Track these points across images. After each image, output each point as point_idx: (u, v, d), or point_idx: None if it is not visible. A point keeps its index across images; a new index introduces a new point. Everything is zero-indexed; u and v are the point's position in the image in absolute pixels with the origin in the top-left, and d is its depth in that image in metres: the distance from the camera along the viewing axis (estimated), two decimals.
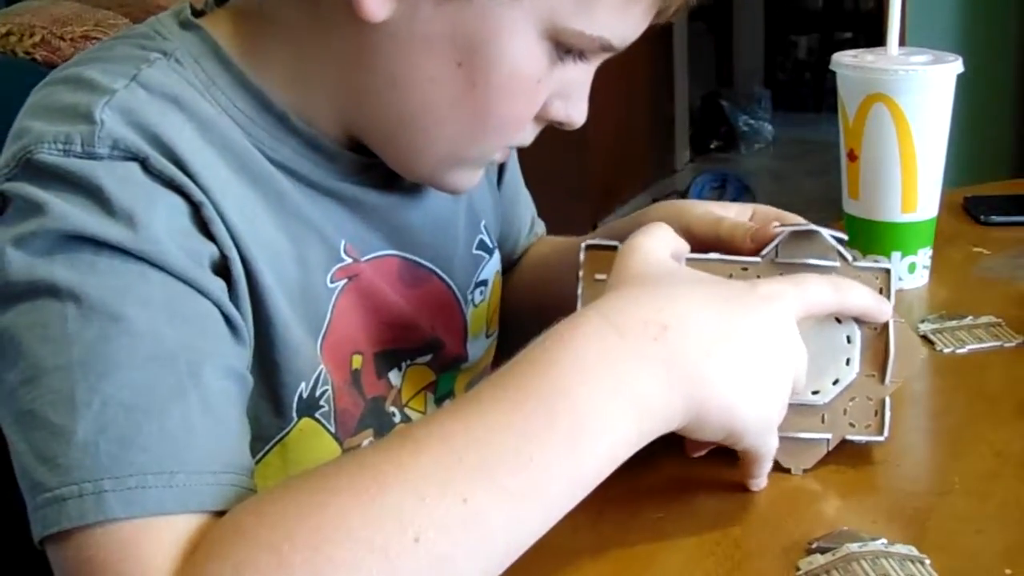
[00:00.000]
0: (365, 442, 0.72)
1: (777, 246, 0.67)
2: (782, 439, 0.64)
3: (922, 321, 0.88)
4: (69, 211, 0.57)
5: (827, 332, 0.66)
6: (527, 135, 0.71)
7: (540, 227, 0.98)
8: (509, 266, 0.92)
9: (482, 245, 0.83)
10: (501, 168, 0.89)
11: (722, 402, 0.57)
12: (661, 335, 0.55)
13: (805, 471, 0.67)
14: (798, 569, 0.57)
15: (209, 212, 0.60)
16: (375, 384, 0.73)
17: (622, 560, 0.59)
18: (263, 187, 0.65)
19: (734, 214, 0.74)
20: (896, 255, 0.95)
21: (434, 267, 0.77)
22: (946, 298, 0.95)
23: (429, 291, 0.77)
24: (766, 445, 0.61)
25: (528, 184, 0.96)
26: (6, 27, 0.84)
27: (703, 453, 0.65)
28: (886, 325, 0.67)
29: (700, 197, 2.96)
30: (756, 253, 0.67)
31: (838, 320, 0.66)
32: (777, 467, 0.66)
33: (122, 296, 0.55)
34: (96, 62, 0.64)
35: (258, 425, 0.64)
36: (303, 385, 0.67)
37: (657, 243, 0.63)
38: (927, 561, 0.57)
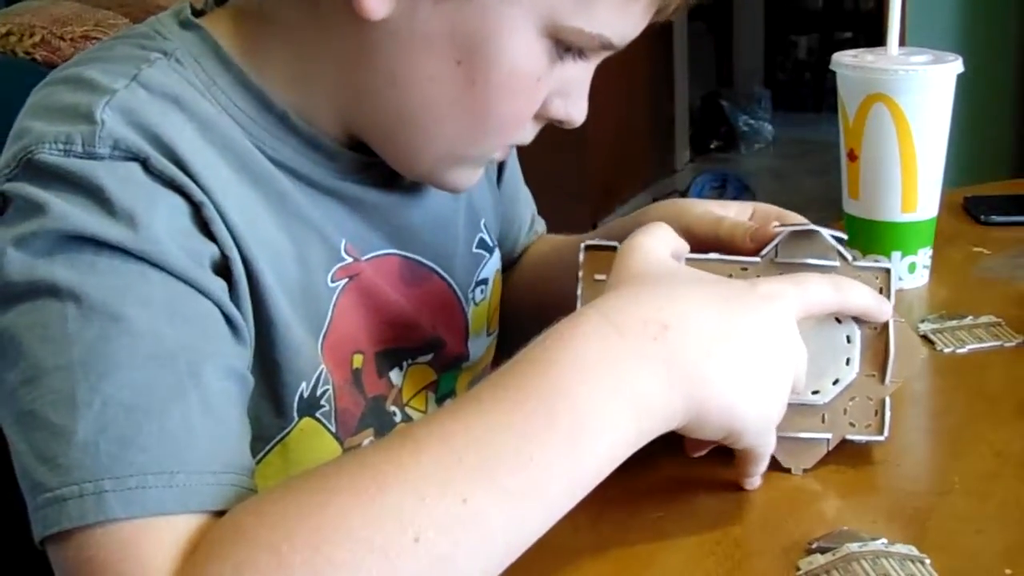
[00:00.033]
0: (365, 441, 0.72)
1: (777, 246, 0.67)
2: (783, 439, 0.64)
3: (922, 321, 0.88)
4: (70, 211, 0.57)
5: (827, 332, 0.66)
6: (527, 133, 0.71)
7: (540, 225, 0.98)
8: (509, 264, 0.92)
9: (482, 243, 0.83)
10: (501, 167, 0.89)
11: (722, 401, 0.57)
12: (661, 334, 0.55)
13: (805, 471, 0.67)
14: (798, 569, 0.57)
15: (210, 212, 0.60)
16: (376, 383, 0.73)
17: (622, 560, 0.60)
18: (264, 187, 0.65)
19: (734, 213, 0.74)
20: (896, 255, 0.95)
21: (435, 266, 0.77)
22: (946, 298, 0.95)
23: (430, 290, 0.77)
24: (765, 445, 0.61)
25: (528, 184, 0.96)
26: (6, 27, 0.84)
27: (703, 453, 0.65)
28: (886, 325, 0.67)
29: (700, 197, 2.96)
30: (756, 253, 0.67)
31: (838, 320, 0.66)
32: (777, 467, 0.66)
33: (123, 296, 0.55)
34: (96, 62, 0.64)
35: (259, 425, 0.64)
36: (304, 385, 0.67)
37: (657, 242, 0.63)
38: (927, 561, 0.57)
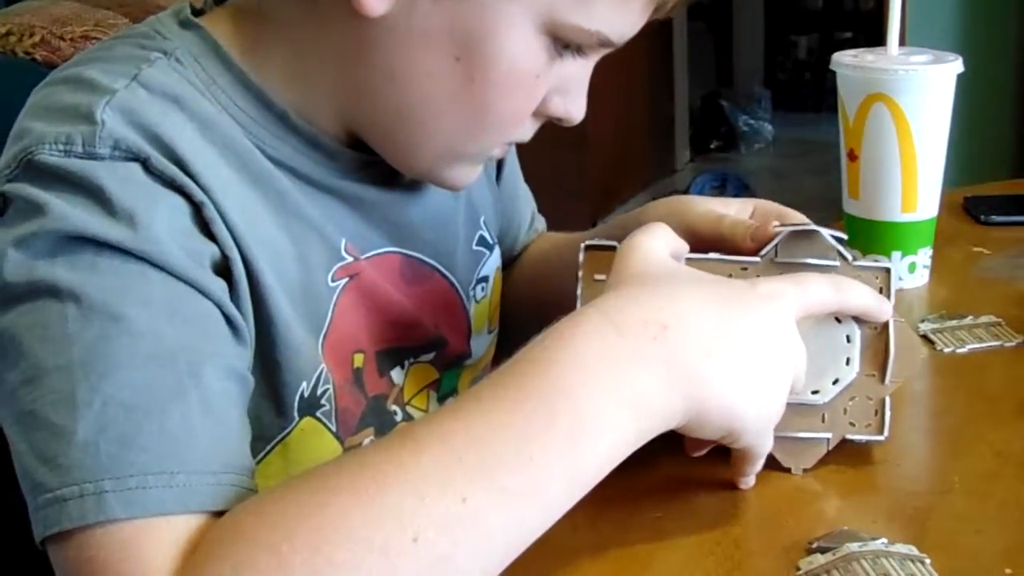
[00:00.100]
0: (366, 441, 0.72)
1: (777, 245, 0.67)
2: (782, 439, 0.64)
3: (922, 321, 0.88)
4: (70, 212, 0.57)
5: (827, 331, 0.66)
6: (526, 131, 0.71)
7: (540, 223, 0.98)
8: (509, 262, 0.92)
9: (482, 241, 0.83)
10: (500, 164, 0.89)
11: (722, 401, 0.57)
12: (661, 334, 0.55)
13: (805, 471, 0.67)
14: (798, 569, 0.57)
15: (210, 212, 0.60)
16: (377, 382, 0.73)
17: (621, 559, 0.60)
18: (264, 186, 0.66)
19: (735, 211, 0.74)
20: (896, 255, 0.95)
21: (436, 264, 0.77)
22: (946, 298, 0.95)
23: (431, 288, 0.77)
24: (763, 444, 0.61)
25: (528, 183, 0.96)
26: (6, 27, 0.84)
27: (703, 452, 0.66)
28: (886, 324, 0.67)
29: None
30: (756, 252, 0.67)
31: (838, 319, 0.66)
32: (777, 466, 0.66)
33: (123, 296, 0.55)
34: (96, 62, 0.64)
35: (259, 425, 0.64)
36: (304, 384, 0.67)
37: (656, 242, 0.63)
38: (927, 561, 0.57)
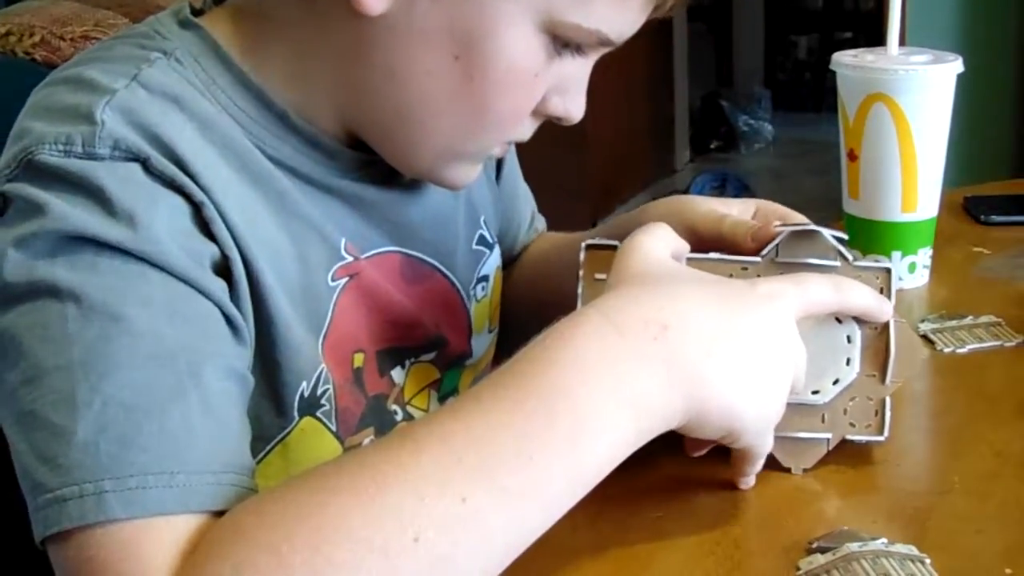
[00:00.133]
0: (366, 441, 0.72)
1: (777, 245, 0.67)
2: (783, 439, 0.64)
3: (922, 321, 0.88)
4: (70, 212, 0.57)
5: (828, 332, 0.66)
6: (525, 130, 0.71)
7: (540, 223, 0.98)
8: (509, 261, 0.92)
9: (482, 240, 0.83)
10: (499, 163, 0.89)
11: (722, 401, 0.57)
12: (661, 334, 0.55)
13: (805, 471, 0.67)
14: (798, 569, 0.57)
15: (210, 212, 0.60)
16: (377, 382, 0.73)
17: (621, 559, 0.60)
18: (263, 186, 0.66)
19: (737, 211, 0.74)
20: (896, 255, 0.95)
21: (436, 263, 0.77)
22: (946, 298, 0.95)
23: (431, 287, 0.77)
24: (763, 444, 0.61)
25: (528, 183, 0.96)
26: (6, 27, 0.84)
27: (703, 452, 0.66)
28: (887, 325, 0.67)
29: None
30: (757, 252, 0.67)
31: (839, 320, 0.66)
32: (777, 467, 0.66)
33: (123, 296, 0.55)
34: (96, 62, 0.64)
35: (260, 425, 0.64)
36: (304, 384, 0.67)
37: (657, 242, 0.63)
38: (927, 561, 0.57)
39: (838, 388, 0.66)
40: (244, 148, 0.65)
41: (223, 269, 0.61)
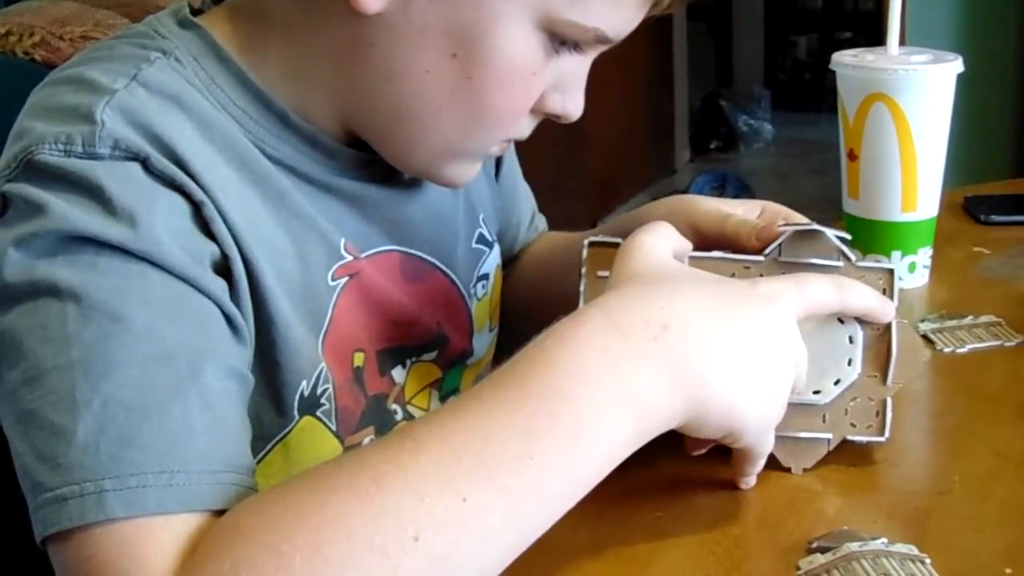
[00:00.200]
0: (366, 440, 0.72)
1: (780, 245, 0.67)
2: (783, 438, 0.64)
3: (922, 321, 0.88)
4: (70, 211, 0.57)
5: (829, 332, 0.66)
6: (524, 128, 0.71)
7: (541, 222, 0.98)
8: (509, 260, 0.92)
9: (481, 239, 0.83)
10: (499, 162, 0.89)
11: (722, 401, 0.57)
12: (662, 334, 0.55)
13: (806, 470, 0.67)
14: (798, 568, 0.57)
15: (210, 211, 0.60)
16: (378, 382, 0.73)
17: (621, 559, 0.59)
18: (263, 185, 0.66)
19: (742, 212, 0.74)
20: (896, 255, 0.95)
21: (436, 261, 0.77)
22: (946, 298, 0.95)
23: (432, 286, 0.77)
24: (763, 444, 0.61)
25: (528, 184, 0.96)
26: (6, 27, 0.84)
27: (703, 451, 0.66)
28: (889, 326, 0.67)
29: None
30: (760, 251, 0.67)
31: (841, 320, 0.66)
32: (777, 466, 0.66)
33: (123, 296, 0.55)
34: (96, 62, 0.64)
35: (260, 424, 0.64)
36: (304, 383, 0.67)
37: (658, 241, 0.63)
38: (927, 560, 0.57)
39: (839, 388, 0.66)
40: (244, 147, 0.65)
41: (223, 268, 0.61)
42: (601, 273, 0.67)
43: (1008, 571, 0.56)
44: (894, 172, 0.94)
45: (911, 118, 0.92)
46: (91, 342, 0.54)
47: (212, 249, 0.61)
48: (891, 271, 0.68)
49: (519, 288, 0.90)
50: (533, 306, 0.87)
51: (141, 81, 0.62)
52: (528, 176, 0.95)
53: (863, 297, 0.65)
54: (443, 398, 0.79)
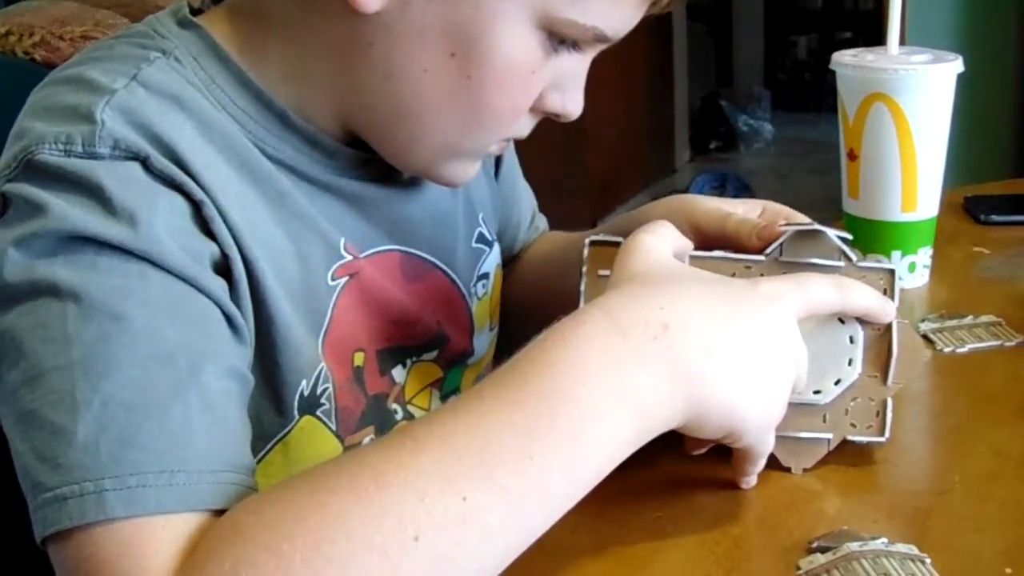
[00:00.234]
0: (366, 440, 0.72)
1: (781, 245, 0.67)
2: (783, 438, 0.64)
3: (922, 320, 0.88)
4: (70, 211, 0.57)
5: (830, 332, 0.66)
6: (523, 127, 0.71)
7: (541, 221, 0.98)
8: (510, 260, 0.92)
9: (481, 238, 0.83)
10: (498, 161, 0.89)
11: (722, 401, 0.57)
12: (662, 334, 0.55)
13: (806, 470, 0.67)
14: (798, 568, 0.57)
15: (210, 211, 0.61)
16: (378, 381, 0.73)
17: (621, 559, 0.59)
18: (263, 185, 0.66)
19: (743, 211, 0.74)
20: (896, 254, 0.95)
21: (436, 261, 0.77)
22: (946, 298, 0.95)
23: (432, 285, 0.77)
24: (764, 444, 0.61)
25: (528, 184, 0.96)
26: (6, 27, 0.84)
27: (703, 451, 0.65)
28: (889, 326, 0.67)
29: None
30: (761, 251, 0.67)
31: (841, 320, 0.66)
32: (778, 466, 0.66)
33: (123, 296, 0.55)
34: (96, 62, 0.64)
35: (260, 424, 0.64)
36: (304, 383, 0.67)
37: (659, 241, 0.63)
38: (927, 560, 0.57)
39: (840, 388, 0.66)
40: (243, 147, 0.65)
41: (223, 268, 0.61)
42: (602, 272, 0.67)
43: (1008, 571, 0.56)
44: (894, 172, 0.94)
45: (911, 118, 0.92)
46: (91, 342, 0.54)
47: (212, 249, 0.61)
48: (892, 271, 0.68)
49: (519, 288, 0.90)
50: (533, 306, 0.87)
51: (141, 81, 0.62)
52: (528, 176, 0.95)
53: (864, 297, 0.65)
54: (444, 398, 0.79)
